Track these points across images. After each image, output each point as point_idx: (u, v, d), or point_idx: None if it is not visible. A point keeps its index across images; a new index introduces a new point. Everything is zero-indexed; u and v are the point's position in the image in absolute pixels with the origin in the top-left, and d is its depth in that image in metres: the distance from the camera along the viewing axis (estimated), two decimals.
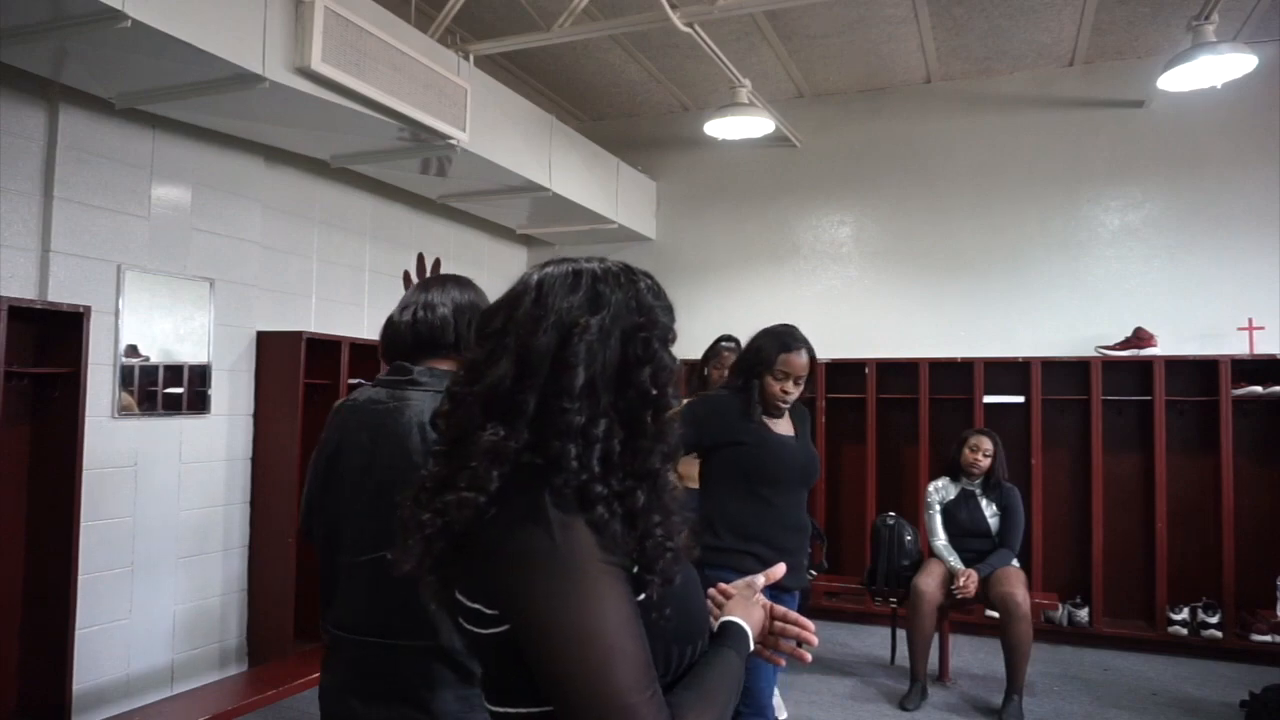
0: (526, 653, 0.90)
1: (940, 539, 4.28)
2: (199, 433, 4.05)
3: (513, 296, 1.02)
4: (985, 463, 4.25)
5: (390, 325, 1.73)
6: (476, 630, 0.96)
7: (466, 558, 0.95)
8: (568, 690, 0.88)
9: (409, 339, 1.70)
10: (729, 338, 4.01)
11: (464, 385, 1.00)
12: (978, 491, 4.30)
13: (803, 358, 2.75)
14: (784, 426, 2.81)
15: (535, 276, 1.03)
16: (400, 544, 0.98)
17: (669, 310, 1.06)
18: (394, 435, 1.60)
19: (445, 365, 1.69)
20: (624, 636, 0.89)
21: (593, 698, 0.87)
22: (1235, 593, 4.82)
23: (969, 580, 4.05)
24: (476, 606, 0.94)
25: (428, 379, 1.66)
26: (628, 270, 1.05)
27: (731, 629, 1.16)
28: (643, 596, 0.95)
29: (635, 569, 0.95)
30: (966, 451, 4.30)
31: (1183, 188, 5.36)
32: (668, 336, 1.04)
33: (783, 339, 2.77)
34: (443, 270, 5.83)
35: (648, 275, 1.07)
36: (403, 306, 1.73)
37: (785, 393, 2.73)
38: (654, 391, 0.99)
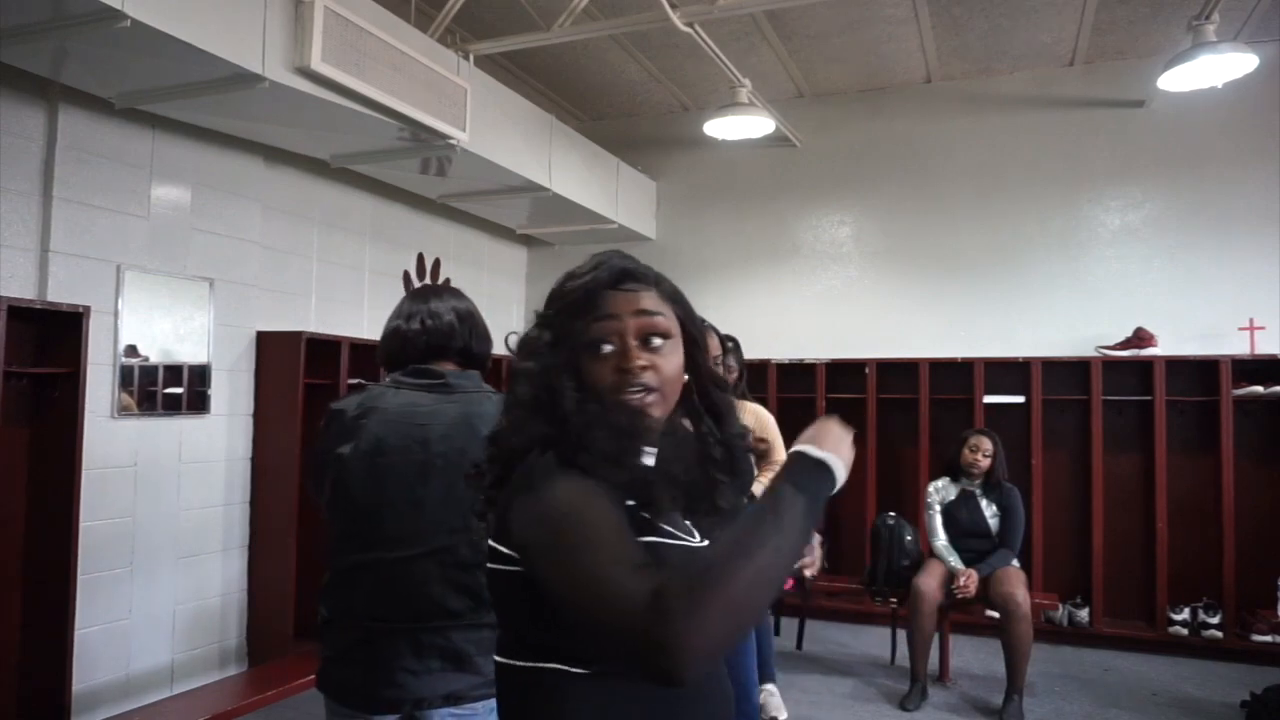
0: (533, 571, 0.99)
1: (940, 539, 4.28)
2: (199, 433, 4.05)
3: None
4: (985, 463, 4.25)
5: (398, 334, 1.84)
6: (494, 566, 1.06)
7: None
8: (562, 576, 0.94)
9: (421, 345, 1.82)
10: (729, 338, 4.01)
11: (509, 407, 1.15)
12: (978, 492, 4.30)
13: (713, 338, 2.59)
14: None
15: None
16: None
17: (572, 274, 1.13)
18: (458, 437, 1.74)
19: (450, 367, 1.83)
20: (606, 525, 0.95)
21: (581, 570, 0.92)
22: (1235, 593, 4.82)
23: (969, 580, 4.05)
24: (497, 545, 1.05)
25: (463, 381, 1.82)
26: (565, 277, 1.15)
27: (797, 460, 0.99)
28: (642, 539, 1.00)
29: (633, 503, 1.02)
30: (966, 452, 4.30)
31: (1183, 188, 5.36)
32: (561, 296, 1.12)
33: None
34: (443, 270, 5.84)
35: (573, 275, 1.14)
36: (407, 316, 1.85)
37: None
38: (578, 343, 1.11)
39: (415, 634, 1.72)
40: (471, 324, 1.87)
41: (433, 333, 1.83)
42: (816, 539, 1.19)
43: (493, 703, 1.82)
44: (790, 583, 1.29)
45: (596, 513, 0.96)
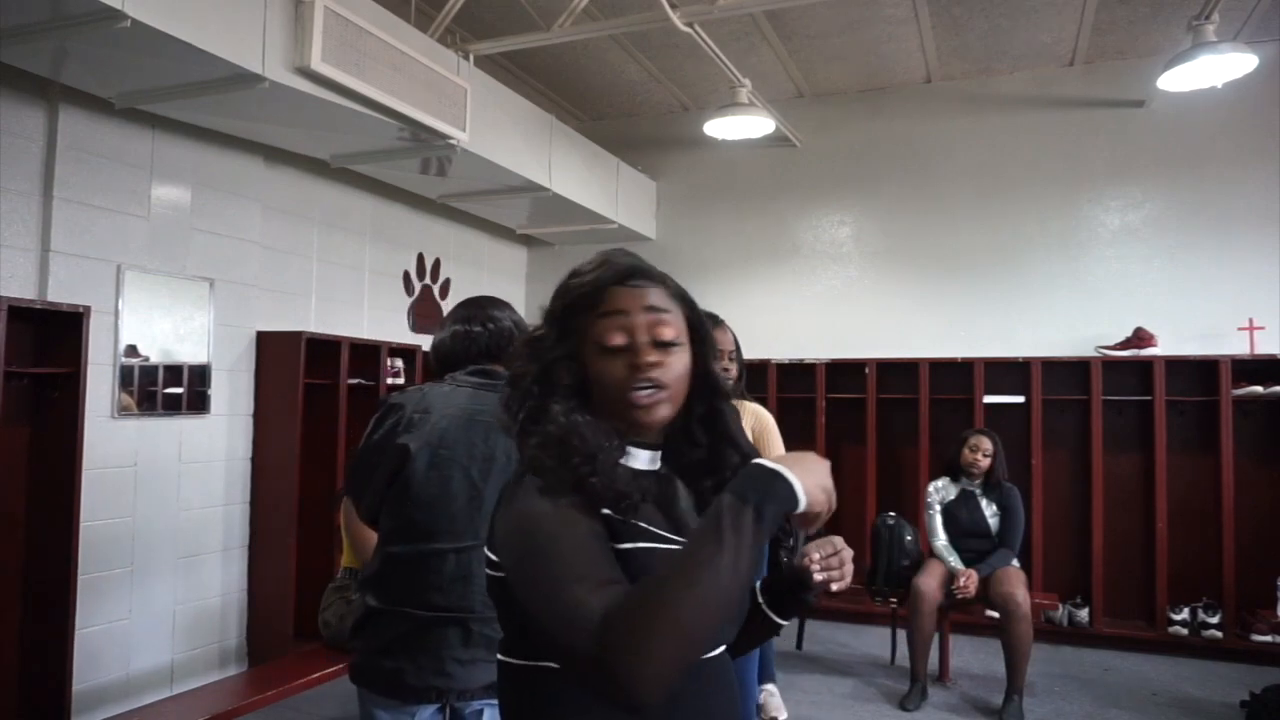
0: (508, 581, 1.02)
1: (940, 539, 4.28)
2: (199, 433, 4.05)
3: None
4: (985, 463, 4.25)
5: (461, 336, 1.96)
6: (489, 571, 1.08)
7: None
8: (526, 593, 0.96)
9: (482, 345, 1.94)
10: None
11: None
12: (978, 492, 4.30)
13: (727, 331, 2.57)
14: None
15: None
16: None
17: (579, 270, 1.12)
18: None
19: (503, 369, 1.93)
20: (570, 540, 0.95)
21: (541, 592, 0.93)
22: (1235, 593, 4.82)
23: (969, 580, 4.05)
24: (490, 555, 1.07)
25: None
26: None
27: (752, 472, 0.94)
28: (625, 545, 1.00)
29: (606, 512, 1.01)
30: (966, 451, 4.30)
31: (1183, 188, 5.36)
32: (567, 291, 1.11)
33: (708, 316, 2.59)
34: (442, 270, 5.84)
35: (575, 272, 1.13)
36: (467, 320, 1.97)
37: (725, 370, 2.55)
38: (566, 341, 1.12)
39: (467, 624, 1.78)
40: (525, 331, 1.94)
41: (495, 335, 1.93)
42: (849, 552, 1.14)
43: None
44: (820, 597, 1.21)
45: (564, 527, 0.96)
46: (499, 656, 1.11)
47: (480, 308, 1.99)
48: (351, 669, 1.88)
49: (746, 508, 0.89)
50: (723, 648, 1.12)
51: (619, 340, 1.04)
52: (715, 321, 2.53)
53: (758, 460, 0.97)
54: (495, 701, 1.77)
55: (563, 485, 0.99)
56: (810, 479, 0.94)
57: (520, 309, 2.07)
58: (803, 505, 0.93)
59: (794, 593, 1.19)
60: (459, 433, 1.83)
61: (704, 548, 0.88)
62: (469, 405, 1.87)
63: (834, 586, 1.12)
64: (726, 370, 2.49)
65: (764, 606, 1.20)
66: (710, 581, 0.86)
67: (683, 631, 0.85)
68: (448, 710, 1.83)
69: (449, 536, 1.80)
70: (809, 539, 1.17)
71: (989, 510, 4.26)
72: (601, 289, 1.07)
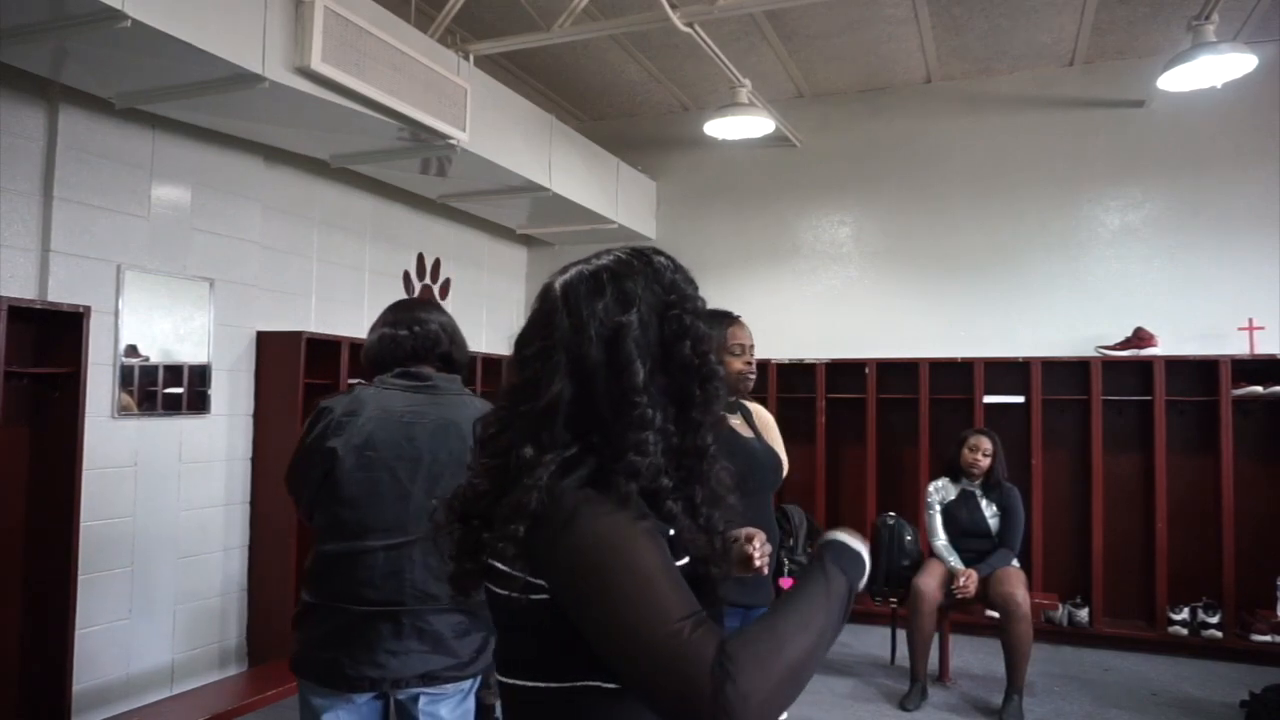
0: (571, 611, 0.94)
1: (940, 539, 4.28)
2: (199, 433, 4.05)
3: (543, 316, 1.05)
4: (985, 463, 4.25)
5: (386, 339, 2.01)
6: (508, 594, 0.99)
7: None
8: (615, 629, 0.90)
9: (408, 349, 1.99)
10: None
11: (511, 408, 1.04)
12: (978, 492, 4.30)
13: (745, 327, 2.58)
14: (740, 423, 2.56)
15: (556, 289, 1.06)
16: (441, 530, 1.07)
17: (690, 280, 1.10)
18: (445, 434, 1.91)
19: (431, 371, 2.02)
20: (660, 571, 0.92)
21: (639, 628, 0.89)
22: (1235, 593, 4.82)
23: (969, 580, 4.05)
24: (515, 573, 0.97)
25: (447, 384, 1.99)
26: (640, 254, 1.09)
27: (832, 546, 1.05)
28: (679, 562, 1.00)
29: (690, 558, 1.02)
30: (966, 452, 4.30)
31: (1183, 188, 5.36)
32: (696, 307, 1.07)
33: (720, 314, 2.46)
34: (443, 270, 5.84)
35: (658, 251, 1.11)
36: (394, 323, 2.02)
37: (748, 365, 2.50)
38: (696, 361, 1.03)
39: (397, 617, 1.86)
40: (453, 333, 2.05)
41: (420, 338, 1.99)
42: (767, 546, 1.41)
43: (465, 684, 1.97)
44: None
45: (642, 554, 0.92)
46: (520, 683, 1.02)
47: (407, 310, 2.06)
48: (290, 660, 2.00)
49: (845, 580, 1.00)
50: None
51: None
52: (731, 319, 2.54)
53: (845, 539, 1.06)
54: (431, 691, 1.88)
55: (637, 504, 0.96)
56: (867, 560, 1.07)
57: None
58: (867, 560, 1.05)
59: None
60: (386, 434, 1.90)
61: (816, 603, 0.96)
62: (396, 407, 1.94)
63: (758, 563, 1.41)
64: (749, 365, 2.51)
65: None
66: (819, 636, 0.93)
67: (796, 678, 0.90)
68: (389, 700, 1.93)
69: (379, 534, 1.88)
70: (812, 547, 1.35)
71: (989, 511, 4.27)
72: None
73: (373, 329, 2.07)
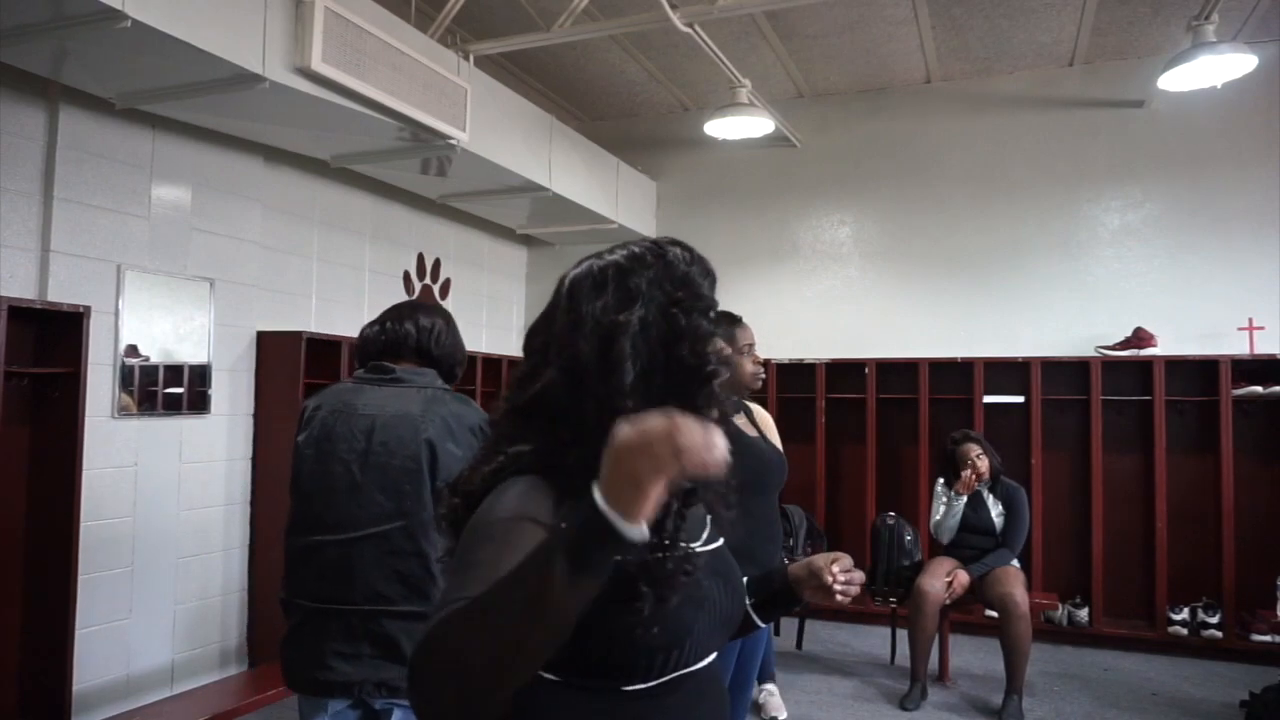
0: None
1: (938, 516, 4.25)
2: (199, 433, 4.04)
3: (550, 309, 1.07)
4: (984, 462, 4.24)
5: (361, 336, 2.08)
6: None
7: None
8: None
9: (378, 345, 2.03)
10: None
11: (510, 398, 1.06)
12: (983, 489, 4.29)
13: (748, 328, 2.58)
14: (744, 423, 2.56)
15: (565, 284, 1.06)
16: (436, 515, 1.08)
17: (707, 271, 1.08)
18: (400, 427, 1.87)
19: (406, 365, 2.03)
20: (485, 566, 0.86)
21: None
22: (1235, 593, 4.82)
23: (957, 583, 4.06)
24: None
25: (413, 376, 1.99)
26: (654, 247, 1.07)
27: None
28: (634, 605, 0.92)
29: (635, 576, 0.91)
30: (966, 465, 4.21)
31: (1183, 188, 5.36)
32: (702, 305, 1.05)
33: (726, 316, 2.42)
34: (443, 270, 5.84)
35: (675, 243, 1.08)
36: (378, 322, 2.07)
37: (757, 364, 2.52)
38: (695, 363, 1.01)
39: (348, 617, 1.81)
40: (430, 332, 2.05)
41: (390, 334, 2.02)
42: (859, 575, 1.18)
43: None
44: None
45: (486, 546, 0.89)
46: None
47: (393, 310, 2.09)
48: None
49: (558, 535, 0.76)
50: (711, 657, 1.09)
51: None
52: (734, 320, 2.54)
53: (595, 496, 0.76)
54: (403, 703, 1.78)
55: (561, 505, 0.97)
56: (618, 475, 0.74)
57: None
58: (627, 532, 0.74)
59: (783, 600, 1.21)
60: (343, 427, 1.91)
61: (504, 594, 0.78)
62: (357, 401, 1.94)
63: (839, 597, 1.18)
64: (758, 364, 2.51)
65: (750, 609, 1.21)
66: (526, 606, 0.77)
67: (470, 672, 0.77)
68: (368, 709, 1.87)
69: (329, 528, 1.87)
70: (812, 547, 1.26)
71: (995, 509, 4.26)
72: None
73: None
